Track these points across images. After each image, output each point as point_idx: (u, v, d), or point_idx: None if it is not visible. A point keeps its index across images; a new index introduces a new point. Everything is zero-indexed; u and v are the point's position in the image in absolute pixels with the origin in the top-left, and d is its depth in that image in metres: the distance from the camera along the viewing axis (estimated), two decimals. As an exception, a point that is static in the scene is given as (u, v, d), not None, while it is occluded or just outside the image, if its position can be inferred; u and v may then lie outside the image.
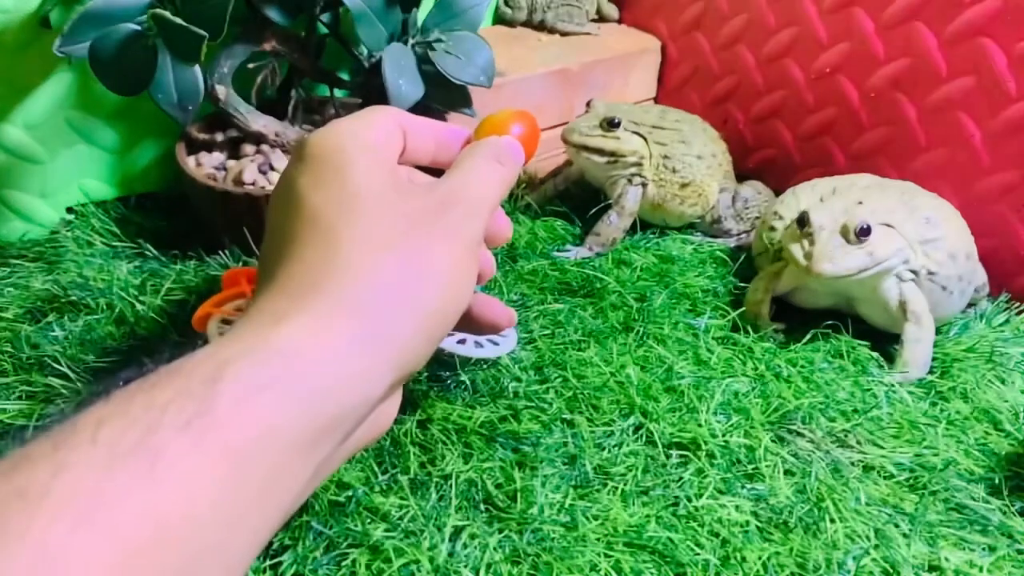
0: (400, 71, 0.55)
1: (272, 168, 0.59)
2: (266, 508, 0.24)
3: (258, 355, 0.25)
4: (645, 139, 0.65)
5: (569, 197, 0.72)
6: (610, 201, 0.66)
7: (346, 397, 0.26)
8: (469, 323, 0.39)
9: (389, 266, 0.28)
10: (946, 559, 0.40)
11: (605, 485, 0.43)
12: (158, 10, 0.49)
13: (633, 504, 0.42)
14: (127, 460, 0.21)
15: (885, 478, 0.45)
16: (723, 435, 0.46)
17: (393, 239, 0.29)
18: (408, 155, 0.34)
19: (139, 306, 0.53)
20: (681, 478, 0.43)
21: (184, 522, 0.21)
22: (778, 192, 0.66)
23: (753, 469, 0.44)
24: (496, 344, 0.49)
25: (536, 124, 0.38)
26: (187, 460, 0.21)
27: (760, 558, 0.39)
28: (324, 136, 0.31)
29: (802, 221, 0.53)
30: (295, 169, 0.31)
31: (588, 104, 0.67)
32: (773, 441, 0.46)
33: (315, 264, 0.28)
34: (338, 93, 0.66)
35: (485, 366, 0.50)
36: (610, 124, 0.64)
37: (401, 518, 0.39)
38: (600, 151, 0.64)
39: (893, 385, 0.52)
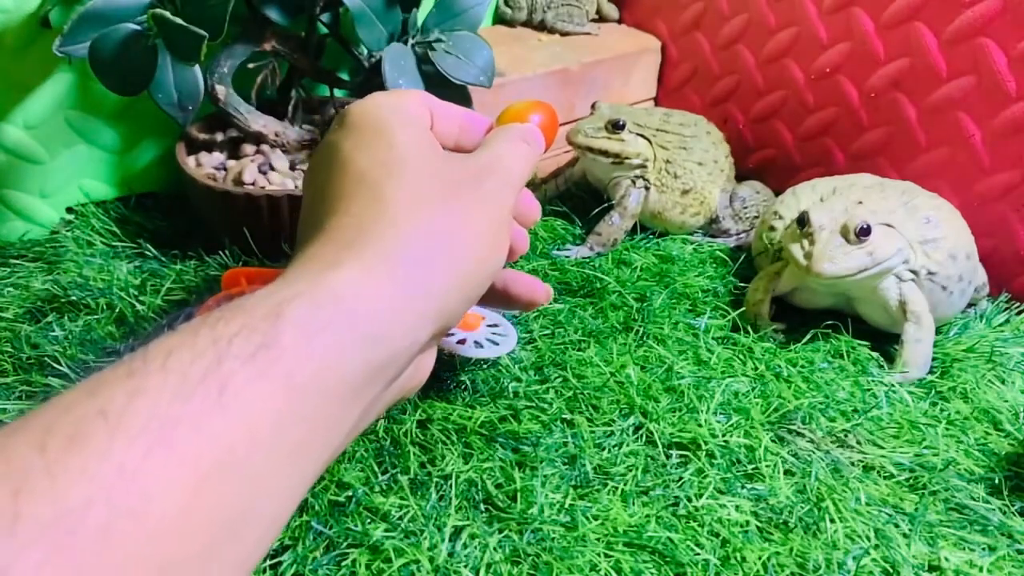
0: (400, 71, 0.55)
1: (272, 168, 0.59)
2: (318, 444, 0.25)
3: (315, 297, 0.26)
4: (650, 141, 0.65)
5: (569, 197, 0.72)
6: (612, 202, 0.66)
7: (395, 342, 0.28)
8: (507, 300, 0.41)
9: (432, 222, 0.30)
10: (946, 559, 0.40)
11: (605, 485, 0.43)
12: (158, 10, 0.49)
13: (633, 504, 0.42)
14: (197, 388, 0.22)
15: (885, 478, 0.45)
16: (723, 435, 0.46)
17: (436, 199, 0.31)
18: (434, 135, 0.35)
19: (139, 306, 0.53)
20: (681, 478, 0.43)
21: (248, 449, 0.22)
22: (778, 192, 0.66)
23: (753, 469, 0.44)
24: (496, 344, 0.49)
25: (555, 114, 0.40)
26: (252, 390, 0.22)
27: (760, 558, 0.39)
28: (366, 105, 0.34)
29: (802, 221, 0.53)
30: (337, 135, 0.33)
31: (593, 106, 0.67)
32: (773, 441, 0.46)
33: (363, 216, 0.30)
34: (338, 93, 0.66)
35: (485, 366, 0.50)
36: (615, 126, 0.64)
37: (401, 518, 0.39)
38: (605, 153, 0.65)
39: (893, 385, 0.52)
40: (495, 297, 0.41)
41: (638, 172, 0.66)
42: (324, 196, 0.32)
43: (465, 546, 0.38)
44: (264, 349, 0.23)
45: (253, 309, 0.25)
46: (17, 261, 0.60)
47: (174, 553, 0.20)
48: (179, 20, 0.48)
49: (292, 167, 0.61)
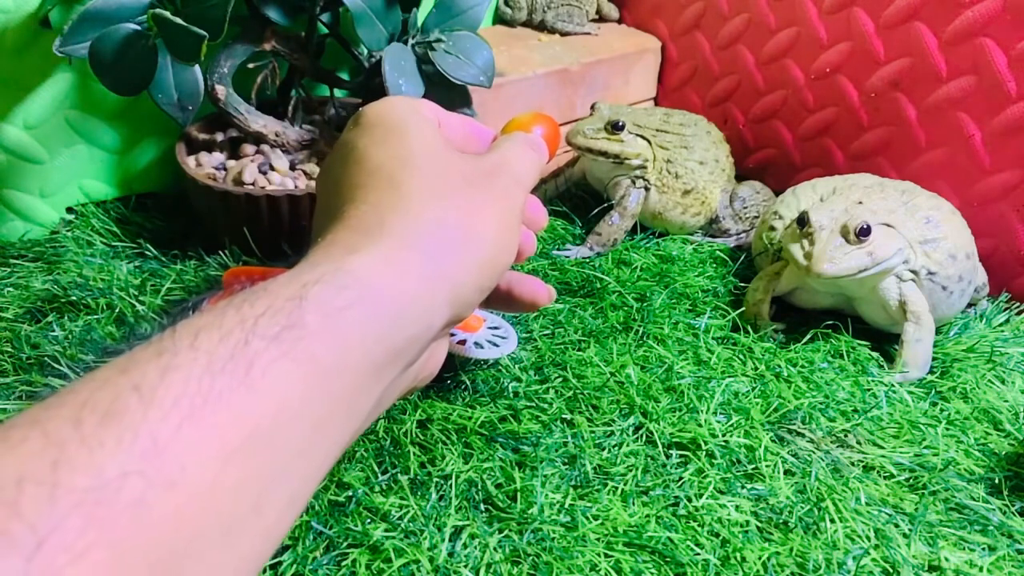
0: (400, 71, 0.55)
1: (272, 168, 0.59)
2: (338, 424, 0.26)
3: (338, 279, 0.27)
4: (649, 142, 0.65)
5: (569, 197, 0.72)
6: (612, 202, 0.66)
7: (413, 325, 0.29)
8: (510, 301, 0.42)
9: (447, 213, 0.31)
10: (946, 559, 0.40)
11: (605, 485, 0.43)
12: (158, 10, 0.49)
13: (633, 504, 0.42)
14: (225, 366, 0.22)
15: (885, 478, 0.45)
16: (723, 435, 0.46)
17: (450, 191, 0.32)
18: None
19: (139, 306, 0.53)
20: (681, 478, 0.43)
21: (272, 427, 0.23)
22: (778, 192, 0.66)
23: (753, 469, 0.44)
24: (496, 345, 0.49)
25: (557, 127, 0.41)
26: (277, 368, 0.23)
27: (760, 558, 0.39)
28: (380, 106, 0.35)
29: (802, 221, 0.53)
30: (353, 134, 0.34)
31: (592, 107, 0.67)
32: (773, 441, 0.46)
33: (381, 204, 0.31)
34: (338, 93, 0.66)
35: (485, 366, 0.50)
36: (614, 127, 0.64)
37: (401, 518, 0.39)
38: (604, 153, 0.65)
39: (893, 385, 0.52)
40: (498, 298, 0.41)
41: (638, 172, 0.66)
42: (340, 189, 0.33)
43: (465, 546, 0.38)
44: (288, 329, 0.24)
45: (277, 291, 0.25)
46: (17, 261, 0.60)
47: (203, 525, 0.21)
48: (179, 20, 0.48)
49: (292, 167, 0.61)
